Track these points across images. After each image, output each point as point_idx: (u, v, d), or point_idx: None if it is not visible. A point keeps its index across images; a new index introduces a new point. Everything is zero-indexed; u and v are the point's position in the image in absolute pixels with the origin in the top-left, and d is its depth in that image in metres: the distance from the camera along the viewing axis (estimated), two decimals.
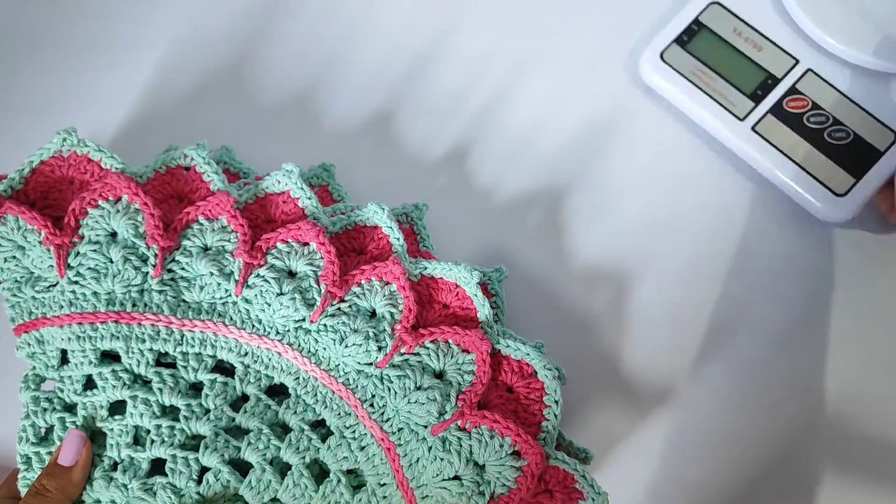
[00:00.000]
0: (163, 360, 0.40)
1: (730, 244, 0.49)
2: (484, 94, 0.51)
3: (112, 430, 0.39)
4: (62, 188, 0.41)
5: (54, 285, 0.40)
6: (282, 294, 0.39)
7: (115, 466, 0.39)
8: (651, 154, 0.50)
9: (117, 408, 0.40)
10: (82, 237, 0.40)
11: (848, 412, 0.46)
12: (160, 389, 0.39)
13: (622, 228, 0.49)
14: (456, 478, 0.37)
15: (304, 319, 0.40)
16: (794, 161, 0.47)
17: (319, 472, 0.40)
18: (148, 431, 0.39)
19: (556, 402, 0.39)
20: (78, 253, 0.39)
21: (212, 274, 0.40)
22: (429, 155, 0.50)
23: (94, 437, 0.40)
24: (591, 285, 0.48)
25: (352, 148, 0.50)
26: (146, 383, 0.40)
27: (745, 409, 0.46)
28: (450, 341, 0.40)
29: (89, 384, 0.40)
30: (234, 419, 0.39)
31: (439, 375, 0.39)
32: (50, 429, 0.40)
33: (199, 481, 0.38)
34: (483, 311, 0.40)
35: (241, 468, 0.39)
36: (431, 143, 0.50)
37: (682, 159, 0.50)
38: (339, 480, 0.39)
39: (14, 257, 0.40)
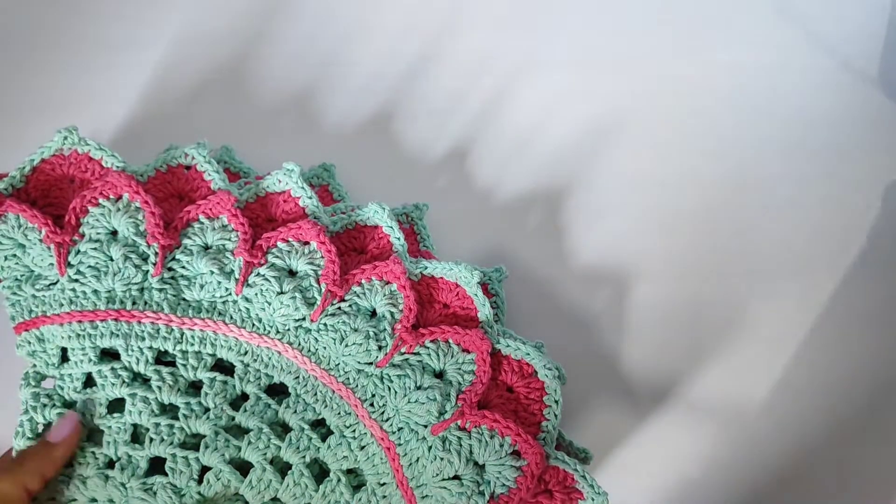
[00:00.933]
0: (162, 359, 0.40)
1: (730, 243, 0.49)
2: (484, 94, 0.51)
3: (110, 427, 0.39)
4: (63, 186, 0.41)
5: (55, 283, 0.40)
6: (282, 293, 0.39)
7: (111, 464, 0.39)
8: (651, 154, 0.50)
9: (116, 406, 0.40)
10: (83, 235, 0.40)
11: (847, 412, 0.46)
12: (159, 387, 0.39)
13: (622, 228, 0.49)
14: (456, 477, 0.37)
15: (304, 318, 0.40)
16: None
17: (319, 472, 0.40)
18: (147, 430, 0.39)
19: (556, 401, 0.39)
20: (78, 251, 0.39)
21: (212, 272, 0.39)
22: (429, 155, 0.50)
23: (92, 435, 0.39)
24: (591, 285, 0.48)
25: (352, 148, 0.50)
26: (145, 381, 0.40)
27: (745, 408, 0.46)
28: (450, 341, 0.39)
29: (89, 382, 0.40)
30: (233, 418, 0.39)
31: (439, 375, 0.39)
32: (48, 425, 0.40)
33: (200, 481, 0.38)
34: (483, 310, 0.40)
35: (241, 467, 0.39)
36: (431, 143, 0.50)
37: (682, 159, 0.50)
38: (339, 480, 0.39)
39: (14, 255, 0.40)
